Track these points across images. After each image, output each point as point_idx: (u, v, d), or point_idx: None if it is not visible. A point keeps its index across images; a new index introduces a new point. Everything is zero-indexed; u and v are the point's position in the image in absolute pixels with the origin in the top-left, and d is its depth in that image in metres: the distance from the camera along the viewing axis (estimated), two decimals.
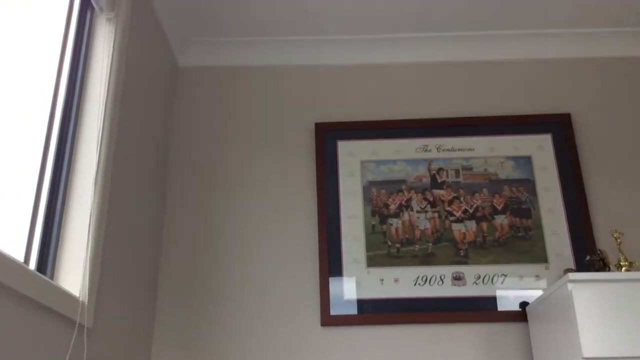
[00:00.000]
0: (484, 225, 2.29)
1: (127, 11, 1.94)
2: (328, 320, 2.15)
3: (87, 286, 1.51)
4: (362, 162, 2.40)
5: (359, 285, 2.20)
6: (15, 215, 1.43)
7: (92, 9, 1.88)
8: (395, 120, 2.46)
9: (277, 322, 2.17)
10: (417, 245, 2.26)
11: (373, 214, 2.32)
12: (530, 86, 2.53)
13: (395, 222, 2.30)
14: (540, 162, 2.38)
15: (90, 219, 1.56)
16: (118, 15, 1.90)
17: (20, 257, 1.41)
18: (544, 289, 2.16)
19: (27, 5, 1.53)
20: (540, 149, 2.40)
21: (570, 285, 1.75)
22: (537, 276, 2.21)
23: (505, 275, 2.21)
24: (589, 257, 2.00)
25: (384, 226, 2.30)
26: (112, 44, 1.84)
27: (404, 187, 2.36)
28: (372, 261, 2.24)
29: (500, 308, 2.15)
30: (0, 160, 1.38)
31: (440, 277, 2.21)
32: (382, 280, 2.22)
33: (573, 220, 2.26)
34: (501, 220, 2.30)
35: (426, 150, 2.41)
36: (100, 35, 1.87)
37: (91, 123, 1.71)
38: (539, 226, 2.28)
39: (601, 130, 2.44)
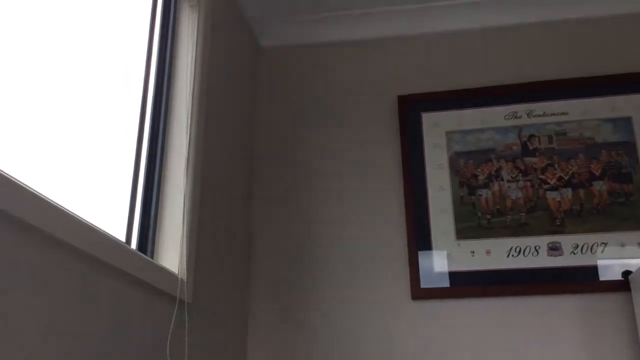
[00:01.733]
0: (581, 192, 2.19)
1: None
2: (418, 293, 2.14)
3: (185, 264, 1.59)
4: (448, 133, 2.35)
5: (448, 258, 2.17)
6: (116, 200, 1.52)
7: None
8: (481, 87, 2.38)
9: (367, 296, 2.19)
10: (509, 216, 2.20)
11: (461, 185, 2.27)
12: (626, 42, 2.36)
13: (484, 193, 2.24)
14: None
15: (184, 201, 1.64)
16: (200, 2, 1.95)
17: (122, 238, 1.50)
18: None
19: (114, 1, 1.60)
20: None
21: None
22: (639, 244, 2.08)
23: (606, 244, 2.10)
24: None
25: (473, 197, 2.24)
26: (196, 30, 1.90)
27: (492, 156, 2.29)
28: (462, 233, 2.20)
29: (601, 278, 2.06)
30: (100, 149, 1.47)
31: (535, 248, 2.14)
32: (473, 252, 2.17)
33: None
34: (599, 186, 2.18)
35: (516, 117, 2.32)
36: (185, 23, 1.93)
37: (181, 109, 1.78)
38: None
39: None
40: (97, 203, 1.43)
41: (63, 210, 1.10)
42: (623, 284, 2.03)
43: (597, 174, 2.20)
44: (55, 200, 1.13)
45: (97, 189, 1.44)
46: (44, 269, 1.04)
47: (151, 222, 1.62)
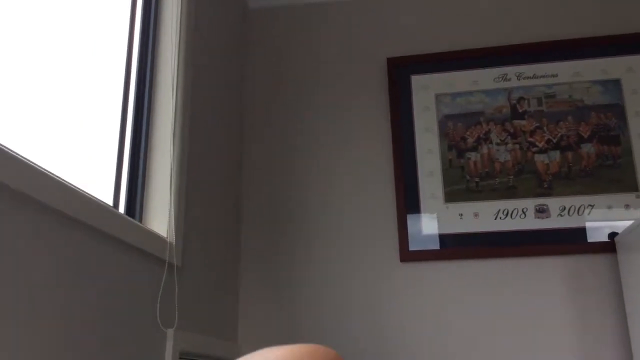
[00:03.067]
0: (569, 154, 2.19)
1: None
2: (407, 255, 2.16)
3: (174, 227, 1.58)
4: (437, 96, 2.33)
5: (437, 220, 2.19)
6: (103, 164, 1.50)
7: None
8: (471, 49, 2.36)
9: (356, 259, 2.20)
10: (497, 179, 2.20)
11: (450, 148, 2.26)
12: (616, 3, 2.34)
13: (473, 156, 2.24)
14: (631, 84, 2.23)
15: (172, 164, 1.62)
16: None
17: (110, 202, 1.49)
18: (635, 219, 2.06)
19: None
20: (630, 70, 2.24)
21: None
22: (627, 205, 2.10)
23: (593, 206, 2.12)
24: None
25: (462, 160, 2.25)
26: None
27: (482, 119, 2.28)
28: (450, 196, 2.21)
29: (587, 239, 2.08)
30: (86, 116, 1.44)
31: (523, 210, 2.15)
32: (461, 215, 2.18)
33: None
34: (588, 148, 2.19)
35: (505, 79, 2.31)
36: None
37: (166, 72, 1.75)
38: (628, 153, 2.15)
39: None
40: (83, 167, 1.41)
41: (48, 175, 1.08)
42: (609, 245, 2.06)
43: (586, 136, 2.21)
44: (40, 165, 1.11)
45: (83, 152, 1.43)
46: (29, 234, 1.03)
47: (139, 186, 1.60)
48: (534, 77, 2.30)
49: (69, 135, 1.37)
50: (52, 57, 1.32)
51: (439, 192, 2.22)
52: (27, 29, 1.24)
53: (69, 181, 1.20)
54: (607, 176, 2.14)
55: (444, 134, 2.28)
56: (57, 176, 1.13)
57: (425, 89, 2.34)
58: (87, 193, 1.24)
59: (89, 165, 1.45)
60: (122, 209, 1.55)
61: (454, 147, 2.26)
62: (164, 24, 1.83)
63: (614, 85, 2.24)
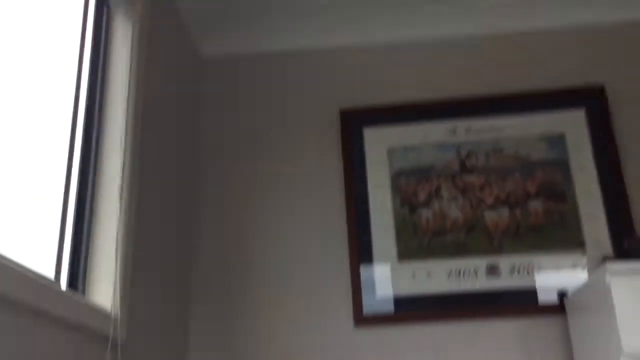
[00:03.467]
0: (518, 211, 2.23)
1: (144, 3, 1.88)
2: (361, 320, 2.12)
3: (119, 300, 1.49)
4: (389, 150, 2.34)
5: (391, 280, 2.16)
6: (44, 234, 1.41)
7: (108, 5, 1.82)
8: (422, 102, 2.38)
9: (309, 323, 2.14)
10: (448, 236, 2.21)
11: (402, 204, 2.26)
12: (559, 57, 2.41)
13: (425, 212, 2.25)
14: (575, 139, 2.28)
15: (117, 233, 1.54)
16: (135, 9, 1.84)
17: (51, 274, 1.40)
18: (583, 276, 2.10)
19: (42, 7, 1.48)
20: (573, 125, 2.30)
21: (608, 278, 1.68)
22: (574, 264, 2.14)
23: (541, 266, 2.14)
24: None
25: (415, 216, 2.24)
26: (130, 38, 1.79)
27: (433, 173, 2.29)
28: (403, 254, 2.20)
29: (538, 299, 2.09)
30: (26, 179, 1.35)
31: (474, 270, 2.16)
32: (414, 274, 2.17)
33: (610, 203, 2.18)
34: (535, 205, 2.23)
35: (454, 134, 2.34)
36: (119, 31, 1.82)
37: (115, 129, 1.68)
38: (575, 210, 2.20)
39: (638, 102, 2.32)
40: (21, 237, 1.32)
41: None
42: (559, 307, 2.08)
43: (533, 192, 2.25)
44: None
45: (21, 221, 1.33)
46: None
47: (82, 256, 1.51)
48: (482, 130, 2.33)
49: (5, 200, 1.28)
50: None
51: (393, 250, 2.20)
52: None
53: (1, 253, 1.11)
54: (554, 234, 2.18)
55: (397, 189, 2.28)
56: None
57: (378, 143, 2.34)
58: (22, 266, 1.15)
59: (28, 234, 1.35)
60: (63, 281, 1.45)
61: (406, 203, 2.26)
62: (113, 77, 1.76)
63: (559, 140, 2.29)
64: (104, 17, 1.82)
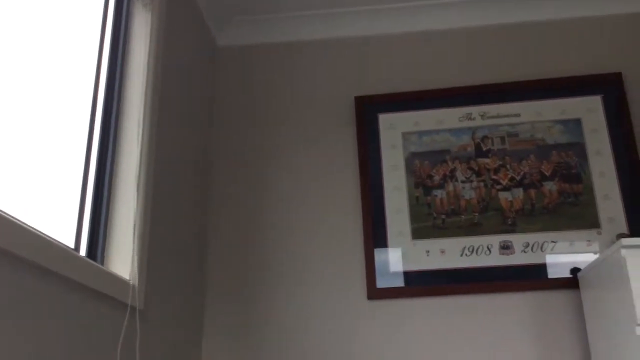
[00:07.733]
0: (532, 192, 2.24)
1: None
2: (374, 293, 2.16)
3: (137, 269, 1.56)
4: (404, 134, 2.37)
5: (404, 257, 2.20)
6: (64, 205, 1.48)
7: None
8: (437, 89, 2.41)
9: (324, 297, 2.19)
10: (462, 216, 2.23)
11: (417, 185, 2.29)
12: (577, 45, 2.42)
13: (439, 193, 2.28)
14: (591, 124, 2.29)
15: (136, 204, 1.61)
16: (154, 2, 1.92)
17: (71, 244, 1.47)
18: (596, 255, 2.10)
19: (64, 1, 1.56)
20: (590, 111, 2.31)
21: (623, 251, 1.69)
22: (588, 241, 2.14)
23: (555, 242, 2.16)
24: None
25: (429, 197, 2.27)
26: (149, 30, 1.86)
27: (447, 157, 2.32)
28: (417, 233, 2.23)
29: (550, 276, 2.11)
30: (48, 154, 1.43)
31: (488, 247, 2.18)
32: (428, 251, 2.20)
33: (625, 184, 2.18)
34: (550, 186, 2.24)
35: (470, 119, 2.36)
36: (138, 22, 1.89)
37: (133, 111, 1.75)
38: (589, 191, 2.20)
39: None
40: (44, 208, 1.39)
41: (6, 217, 1.06)
42: (571, 282, 2.09)
43: (548, 174, 2.26)
44: None
45: (44, 193, 1.41)
46: None
47: (101, 227, 1.58)
48: (498, 116, 2.35)
49: (30, 174, 1.36)
50: (21, 95, 1.32)
51: (407, 229, 2.24)
52: None
53: (27, 222, 1.18)
54: (569, 213, 2.19)
55: (411, 171, 2.31)
56: (12, 217, 1.11)
57: (393, 128, 2.38)
58: (45, 235, 1.22)
59: (50, 207, 1.43)
60: (83, 251, 1.53)
61: (421, 185, 2.29)
62: (133, 65, 1.84)
63: (575, 124, 2.30)
64: (124, 8, 1.90)
